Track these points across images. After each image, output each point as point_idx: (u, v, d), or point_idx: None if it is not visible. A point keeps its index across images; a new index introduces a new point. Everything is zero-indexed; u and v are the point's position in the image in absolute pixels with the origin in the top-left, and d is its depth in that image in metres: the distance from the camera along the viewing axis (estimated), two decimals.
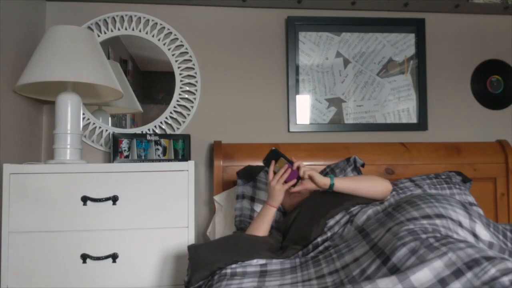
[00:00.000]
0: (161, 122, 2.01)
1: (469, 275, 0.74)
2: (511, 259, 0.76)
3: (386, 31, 2.15)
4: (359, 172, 1.71)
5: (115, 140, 1.79)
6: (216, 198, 1.80)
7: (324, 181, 1.31)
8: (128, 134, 1.83)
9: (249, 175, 1.67)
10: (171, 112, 2.02)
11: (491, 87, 2.22)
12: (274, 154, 1.34)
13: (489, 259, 0.76)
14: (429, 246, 0.83)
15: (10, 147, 1.64)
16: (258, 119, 2.08)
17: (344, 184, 1.33)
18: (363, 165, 1.72)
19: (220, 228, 1.73)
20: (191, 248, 1.20)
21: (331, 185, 1.31)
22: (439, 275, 0.76)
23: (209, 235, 1.80)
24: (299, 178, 1.31)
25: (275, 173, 1.32)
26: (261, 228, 1.34)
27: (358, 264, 0.94)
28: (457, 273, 0.75)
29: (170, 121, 2.02)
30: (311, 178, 1.32)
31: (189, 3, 2.05)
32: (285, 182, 1.30)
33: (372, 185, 1.35)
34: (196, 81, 2.04)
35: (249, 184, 1.65)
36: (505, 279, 0.70)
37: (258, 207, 1.59)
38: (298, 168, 1.31)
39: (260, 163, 1.89)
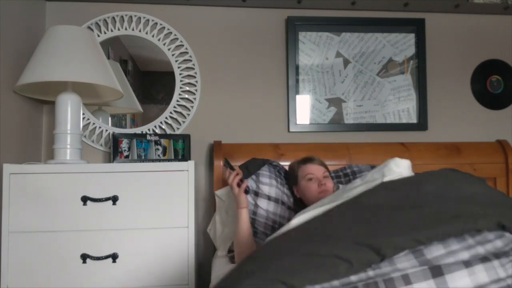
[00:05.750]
0: (161, 122, 2.01)
1: (495, 263, 0.74)
2: None
3: (386, 31, 2.15)
4: None
5: (115, 140, 1.78)
6: (218, 193, 1.78)
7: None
8: (128, 134, 1.83)
9: (253, 169, 1.69)
10: (171, 112, 2.02)
11: (491, 87, 2.22)
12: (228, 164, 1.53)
13: None
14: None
15: (10, 147, 1.64)
16: (258, 119, 2.08)
17: None
18: None
19: (220, 226, 1.73)
20: None
21: None
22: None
23: (209, 232, 1.80)
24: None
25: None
26: (245, 230, 1.43)
27: None
28: (484, 259, 0.75)
29: (170, 121, 2.02)
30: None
31: (189, 3, 2.05)
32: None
33: None
34: (196, 81, 2.04)
35: (252, 178, 1.65)
36: None
37: (261, 202, 1.60)
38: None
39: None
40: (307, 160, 1.61)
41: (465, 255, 0.78)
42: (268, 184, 1.63)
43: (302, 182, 1.56)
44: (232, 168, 1.50)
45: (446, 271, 0.75)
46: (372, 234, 0.84)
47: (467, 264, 0.76)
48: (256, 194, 1.61)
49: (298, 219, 1.09)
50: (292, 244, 0.91)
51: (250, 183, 1.65)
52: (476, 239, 0.82)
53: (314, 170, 1.56)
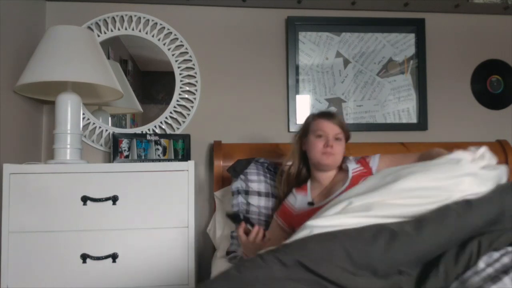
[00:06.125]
0: (161, 122, 2.01)
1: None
2: None
3: (386, 31, 2.15)
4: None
5: (115, 140, 1.79)
6: (217, 194, 1.82)
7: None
8: (128, 134, 1.83)
9: (240, 169, 1.66)
10: (171, 112, 2.02)
11: (491, 87, 2.22)
12: (240, 219, 1.30)
13: None
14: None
15: (10, 147, 1.64)
16: (258, 119, 2.08)
17: None
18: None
19: (220, 227, 1.74)
20: None
21: None
22: None
23: (209, 232, 1.80)
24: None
25: (246, 232, 1.25)
26: None
27: None
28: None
29: (170, 121, 2.02)
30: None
31: (189, 3, 2.05)
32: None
33: None
34: (196, 81, 2.04)
35: (241, 178, 1.65)
36: None
37: (252, 199, 1.60)
38: None
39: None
40: (324, 115, 1.45)
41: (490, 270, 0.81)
42: (257, 181, 1.63)
43: (311, 136, 1.43)
44: (250, 223, 1.27)
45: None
46: (406, 265, 0.85)
47: (494, 279, 0.79)
48: (247, 193, 1.62)
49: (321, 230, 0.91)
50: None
51: (239, 183, 1.63)
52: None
53: (327, 127, 1.40)
